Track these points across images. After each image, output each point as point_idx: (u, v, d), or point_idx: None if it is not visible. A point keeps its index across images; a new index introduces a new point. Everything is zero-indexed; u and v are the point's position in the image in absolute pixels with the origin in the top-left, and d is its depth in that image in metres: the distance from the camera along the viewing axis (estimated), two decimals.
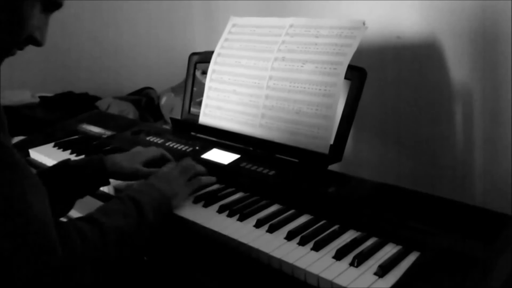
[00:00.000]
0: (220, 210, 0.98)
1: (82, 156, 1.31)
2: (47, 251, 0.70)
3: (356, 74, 1.15)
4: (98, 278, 0.78)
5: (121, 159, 1.10)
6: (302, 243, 0.85)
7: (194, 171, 1.06)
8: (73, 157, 1.32)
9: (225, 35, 1.42)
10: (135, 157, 1.13)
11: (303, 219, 0.94)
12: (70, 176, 1.04)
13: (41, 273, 0.69)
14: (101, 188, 1.13)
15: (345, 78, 1.15)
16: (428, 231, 0.83)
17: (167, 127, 1.68)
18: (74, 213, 1.19)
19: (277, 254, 0.82)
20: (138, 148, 1.19)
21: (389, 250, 0.82)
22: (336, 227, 0.90)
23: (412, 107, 1.47)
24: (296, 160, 1.16)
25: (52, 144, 1.43)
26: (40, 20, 0.78)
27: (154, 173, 1.09)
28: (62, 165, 1.07)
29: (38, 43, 0.79)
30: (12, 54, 0.78)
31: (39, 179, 0.76)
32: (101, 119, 1.61)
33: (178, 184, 1.00)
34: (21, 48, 0.79)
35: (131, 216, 0.87)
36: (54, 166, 1.08)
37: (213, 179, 1.09)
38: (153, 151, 1.17)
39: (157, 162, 1.17)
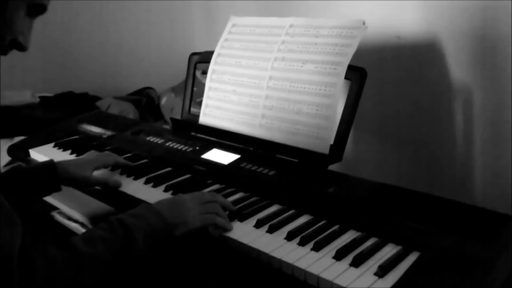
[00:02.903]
0: None
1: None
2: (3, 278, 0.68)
3: (356, 74, 1.15)
4: None
5: (71, 166, 1.10)
6: (302, 243, 0.85)
7: (214, 210, 0.93)
8: (73, 157, 1.32)
9: (225, 35, 1.42)
10: (85, 165, 1.13)
11: (303, 219, 0.94)
12: (21, 182, 1.04)
13: None
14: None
15: (345, 78, 1.15)
16: (428, 231, 0.83)
17: (167, 127, 1.68)
18: (73, 213, 1.20)
19: (277, 254, 0.82)
20: (91, 155, 1.20)
21: (389, 250, 0.82)
22: (336, 227, 0.90)
23: (412, 107, 1.47)
24: (296, 160, 1.16)
25: (52, 144, 1.43)
26: (24, 24, 0.77)
27: (103, 181, 1.10)
28: (14, 171, 1.07)
29: (22, 47, 0.78)
30: None
31: (7, 204, 0.73)
32: (101, 119, 1.61)
33: (189, 214, 0.90)
34: (5, 53, 0.77)
35: (116, 243, 0.81)
36: (7, 171, 1.09)
37: (227, 221, 0.94)
38: (104, 160, 1.17)
39: (115, 167, 1.19)
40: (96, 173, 1.15)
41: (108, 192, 1.12)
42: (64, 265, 0.75)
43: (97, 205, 1.15)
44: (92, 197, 1.16)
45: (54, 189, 1.10)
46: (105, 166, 1.18)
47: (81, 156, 1.22)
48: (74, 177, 1.09)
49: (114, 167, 1.20)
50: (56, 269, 0.74)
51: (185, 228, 0.89)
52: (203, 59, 1.46)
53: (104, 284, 0.80)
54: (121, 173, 1.19)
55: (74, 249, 0.77)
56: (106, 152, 1.23)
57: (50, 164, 1.10)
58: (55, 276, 0.73)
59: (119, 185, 1.12)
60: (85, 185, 1.13)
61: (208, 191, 1.03)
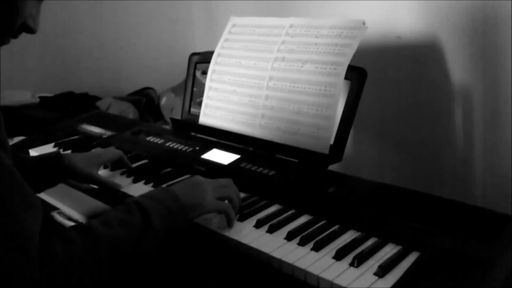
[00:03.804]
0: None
1: None
2: (25, 265, 0.68)
3: (356, 74, 1.15)
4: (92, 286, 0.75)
5: (76, 160, 1.10)
6: (302, 243, 0.85)
7: (230, 194, 0.94)
8: None
9: (225, 35, 1.42)
10: (91, 159, 1.12)
11: (303, 219, 0.94)
12: (27, 174, 1.02)
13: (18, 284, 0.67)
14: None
15: (345, 78, 1.15)
16: (428, 231, 0.83)
17: (167, 127, 1.68)
18: (72, 213, 1.19)
19: (277, 254, 0.82)
20: (97, 150, 1.21)
21: (389, 250, 0.82)
22: (336, 227, 0.90)
23: (412, 107, 1.47)
24: (296, 160, 1.16)
25: (52, 144, 1.43)
26: (33, 8, 0.78)
27: (105, 183, 1.11)
28: (20, 163, 1.05)
29: (31, 30, 0.79)
30: (7, 42, 0.78)
31: (33, 192, 0.74)
32: (101, 119, 1.61)
33: (204, 196, 0.90)
34: (15, 36, 0.79)
35: (134, 226, 0.81)
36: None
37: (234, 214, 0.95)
38: (110, 154, 1.17)
39: (118, 163, 1.19)
40: (100, 172, 1.15)
41: (108, 192, 1.12)
42: (83, 247, 0.75)
43: (97, 205, 1.15)
44: (92, 197, 1.16)
45: (59, 180, 1.10)
46: (110, 161, 1.18)
47: (87, 153, 1.21)
48: (76, 171, 1.09)
49: (115, 166, 1.20)
50: (75, 252, 0.74)
51: (200, 210, 0.89)
52: (203, 59, 1.46)
53: (123, 267, 0.80)
54: (122, 174, 1.19)
55: (92, 231, 0.77)
56: (111, 147, 1.24)
57: (56, 154, 1.10)
58: (74, 259, 0.73)
59: (119, 188, 1.12)
60: (88, 181, 1.12)
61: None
